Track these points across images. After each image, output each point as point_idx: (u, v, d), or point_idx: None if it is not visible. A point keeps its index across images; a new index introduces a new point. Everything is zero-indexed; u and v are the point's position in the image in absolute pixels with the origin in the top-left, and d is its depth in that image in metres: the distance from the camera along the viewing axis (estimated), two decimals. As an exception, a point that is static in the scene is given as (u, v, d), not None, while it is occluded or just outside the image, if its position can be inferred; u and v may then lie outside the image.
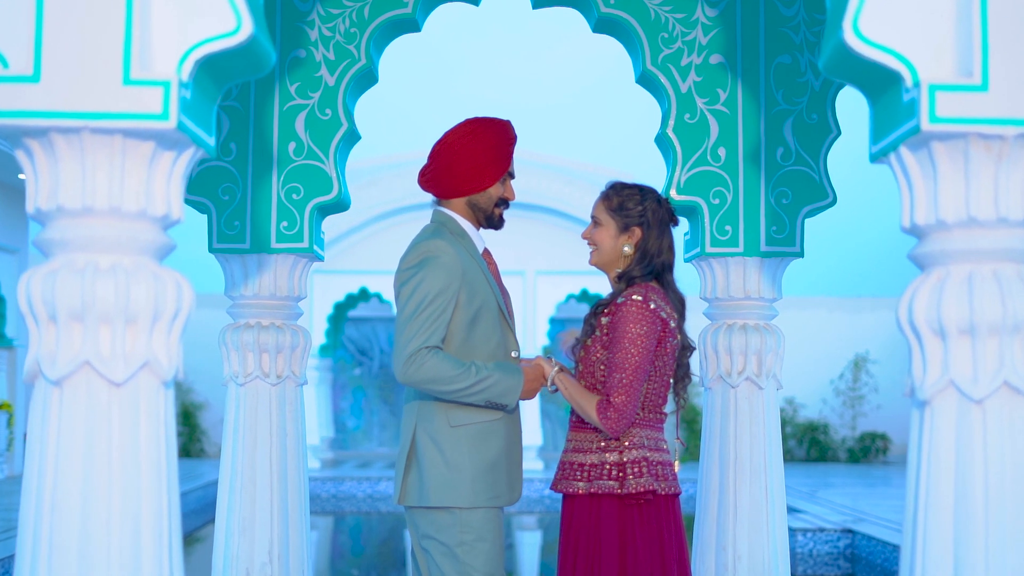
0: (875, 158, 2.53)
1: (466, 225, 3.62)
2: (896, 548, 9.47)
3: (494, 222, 3.68)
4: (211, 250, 4.21)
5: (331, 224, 17.68)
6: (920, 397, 2.36)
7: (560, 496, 3.64)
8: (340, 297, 18.32)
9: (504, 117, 3.68)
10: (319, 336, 18.15)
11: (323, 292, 18.17)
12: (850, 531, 10.64)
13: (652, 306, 3.45)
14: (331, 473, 16.59)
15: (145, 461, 2.29)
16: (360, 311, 20.90)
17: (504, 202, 3.69)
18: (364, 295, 18.67)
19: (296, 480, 4.22)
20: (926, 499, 2.33)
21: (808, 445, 19.44)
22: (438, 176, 3.60)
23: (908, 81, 2.33)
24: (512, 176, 3.73)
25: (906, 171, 2.39)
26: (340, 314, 19.26)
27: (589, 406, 3.43)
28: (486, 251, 3.68)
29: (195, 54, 2.29)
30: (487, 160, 3.58)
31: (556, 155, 18.01)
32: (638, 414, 3.44)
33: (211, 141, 2.48)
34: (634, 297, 3.46)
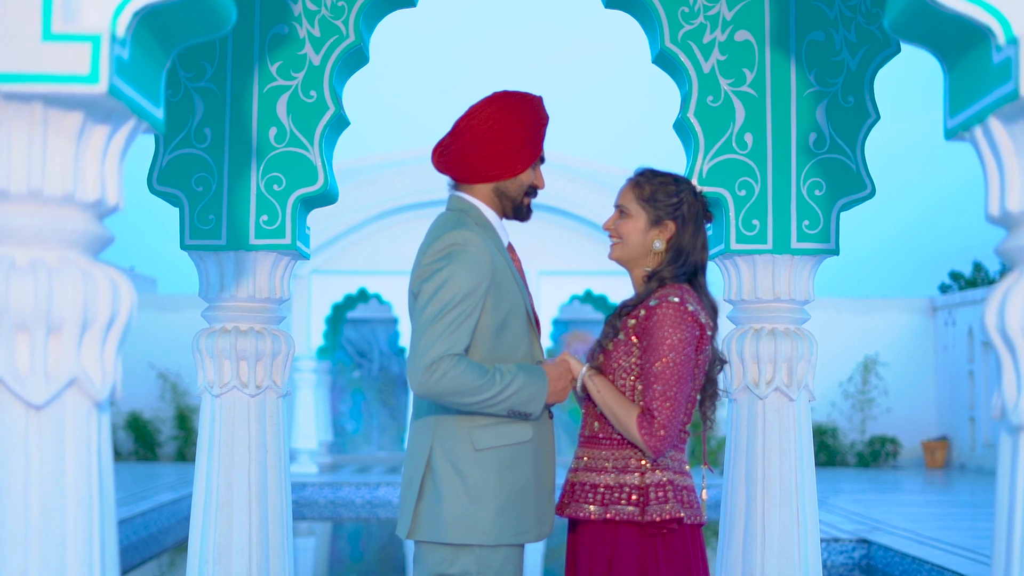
0: (952, 134, 2.12)
1: (490, 215, 3.15)
2: (915, 560, 9.08)
3: (522, 212, 3.21)
4: (183, 247, 3.81)
5: (329, 223, 17.31)
6: (1014, 421, 1.95)
7: (565, 521, 3.21)
8: (338, 298, 17.94)
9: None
10: (317, 338, 17.78)
11: (321, 293, 17.80)
12: (865, 541, 10.25)
13: (690, 308, 3.04)
14: (329, 478, 16.21)
15: (72, 500, 1.88)
16: (359, 312, 20.52)
17: (533, 190, 3.23)
18: (363, 296, 18.29)
19: (277, 501, 3.82)
20: (1022, 542, 1.92)
21: (816, 449, 19.05)
22: (462, 157, 3.12)
23: (1000, 38, 1.92)
24: (543, 161, 3.27)
25: (995, 147, 1.98)
26: (338, 315, 18.87)
27: (628, 418, 3.00)
28: (510, 245, 3.22)
29: (133, 5, 1.88)
30: (520, 142, 3.11)
31: (559, 153, 17.64)
32: None
33: (158, 113, 2.07)
34: (671, 299, 3.05)
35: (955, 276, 22.66)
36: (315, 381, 17.95)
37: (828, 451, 19.03)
